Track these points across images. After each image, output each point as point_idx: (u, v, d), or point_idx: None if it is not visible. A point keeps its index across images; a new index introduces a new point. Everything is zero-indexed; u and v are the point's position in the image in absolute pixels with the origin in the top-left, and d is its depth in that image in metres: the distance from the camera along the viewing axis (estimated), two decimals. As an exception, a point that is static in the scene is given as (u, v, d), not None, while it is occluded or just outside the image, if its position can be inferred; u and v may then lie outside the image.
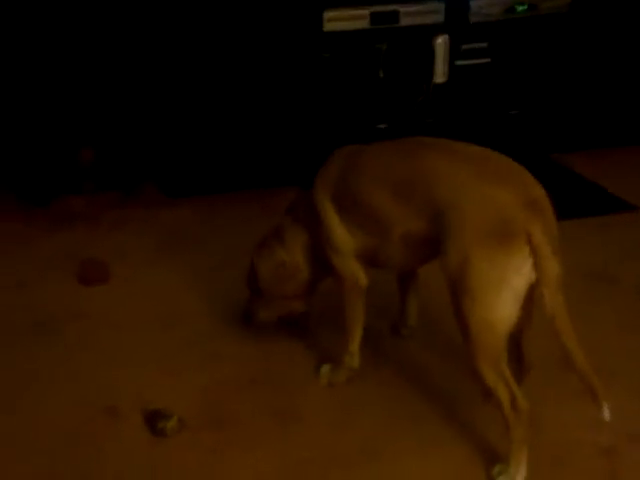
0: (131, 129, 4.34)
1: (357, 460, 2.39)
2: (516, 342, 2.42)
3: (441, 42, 4.21)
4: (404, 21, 4.18)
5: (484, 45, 4.31)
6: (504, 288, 2.14)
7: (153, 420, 2.51)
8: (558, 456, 2.37)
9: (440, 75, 4.29)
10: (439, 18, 4.22)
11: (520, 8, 4.31)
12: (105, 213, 4.10)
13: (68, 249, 3.71)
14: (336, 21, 4.10)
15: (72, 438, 2.49)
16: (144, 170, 4.39)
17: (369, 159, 2.56)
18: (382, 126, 4.36)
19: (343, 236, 2.58)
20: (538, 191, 2.24)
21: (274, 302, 2.82)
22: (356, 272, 2.63)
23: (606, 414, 2.12)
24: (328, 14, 4.06)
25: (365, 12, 4.12)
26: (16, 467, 2.37)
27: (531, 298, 2.23)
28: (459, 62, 4.30)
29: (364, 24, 4.13)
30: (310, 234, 2.71)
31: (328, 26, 4.09)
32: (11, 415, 2.60)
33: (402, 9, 4.15)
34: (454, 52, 4.26)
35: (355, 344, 2.70)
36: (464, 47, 4.29)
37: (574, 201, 4.07)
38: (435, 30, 4.20)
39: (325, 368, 2.75)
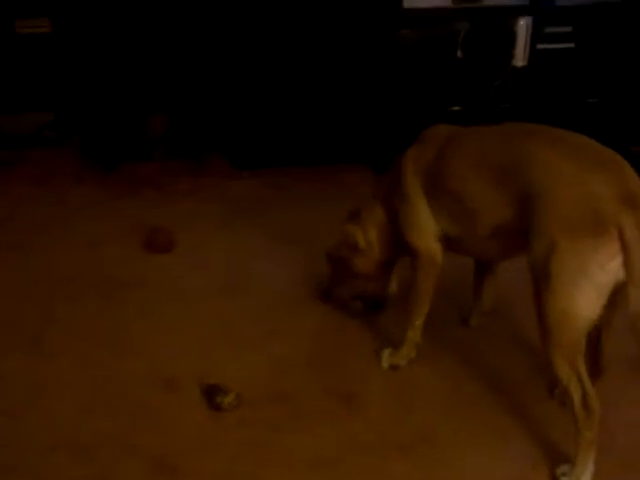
0: (202, 101, 4.35)
1: (415, 447, 2.34)
2: (594, 342, 2.34)
3: (523, 24, 4.09)
4: (487, 1, 4.07)
5: (568, 29, 4.18)
6: (586, 281, 2.05)
7: (211, 394, 2.49)
8: (628, 461, 2.29)
9: (520, 59, 4.17)
10: (523, -1, 4.11)
11: (608, -8, 4.17)
12: (174, 182, 4.11)
13: (136, 215, 3.74)
14: (417, -3, 4.02)
15: (128, 408, 2.49)
16: (213, 141, 4.40)
17: (467, 143, 2.49)
18: (456, 108, 4.26)
19: (428, 220, 2.55)
20: (637, 186, 2.12)
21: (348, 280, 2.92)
22: (434, 249, 2.59)
23: None
24: (409, -11, 3.99)
25: (447, -11, 4.03)
26: (70, 434, 2.38)
27: (615, 298, 2.11)
28: (541, 46, 4.18)
29: (446, 2, 4.04)
30: (388, 214, 2.70)
31: (408, 2, 4.00)
32: (66, 377, 2.62)
33: (485, -12, 4.06)
34: (536, 35, 4.14)
35: (421, 319, 2.66)
36: (547, 30, 4.16)
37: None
38: (518, 12, 4.08)
39: (386, 351, 2.71)
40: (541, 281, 2.13)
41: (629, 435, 2.38)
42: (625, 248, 2.01)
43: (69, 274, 3.24)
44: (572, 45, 4.22)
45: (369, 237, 2.78)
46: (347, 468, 2.26)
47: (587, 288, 2.06)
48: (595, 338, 2.33)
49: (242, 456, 2.30)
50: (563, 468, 2.20)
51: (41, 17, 4.29)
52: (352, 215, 2.84)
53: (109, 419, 2.44)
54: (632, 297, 2.02)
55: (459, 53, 4.16)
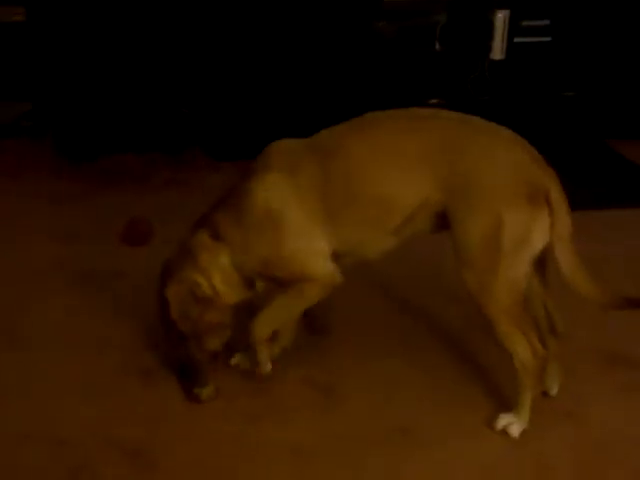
0: (180, 91, 4.33)
1: (393, 439, 2.35)
2: (544, 308, 2.41)
3: (501, 17, 4.12)
4: (464, -7, 4.11)
5: (546, 23, 4.21)
6: (528, 247, 2.17)
7: (188, 386, 2.49)
8: (601, 450, 2.32)
9: (497, 51, 4.20)
10: (501, -8, 4.14)
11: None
12: (152, 174, 4.09)
13: (113, 208, 3.72)
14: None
15: (106, 400, 2.48)
16: (192, 133, 4.39)
17: (359, 142, 2.32)
18: (434, 101, 4.28)
19: (324, 239, 2.34)
20: (537, 152, 2.25)
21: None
22: (333, 270, 2.38)
23: None
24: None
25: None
26: (46, 426, 2.36)
27: (545, 259, 2.26)
28: (518, 39, 4.21)
29: (424, -6, 4.07)
30: (239, 251, 2.41)
31: (387, -5, 4.03)
32: (41, 369, 2.60)
33: (463, -19, 4.08)
34: (514, 28, 4.16)
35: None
36: (525, 24, 4.19)
37: (626, 188, 3.97)
38: (496, 4, 4.10)
39: (238, 356, 2.62)
40: (488, 256, 2.18)
41: (600, 427, 2.41)
42: (552, 207, 2.15)
43: (44, 266, 3.22)
44: (549, 39, 4.25)
45: (214, 282, 2.42)
46: (325, 460, 2.27)
47: (528, 254, 2.18)
48: (542, 306, 2.41)
49: (221, 448, 2.30)
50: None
51: (16, 5, 4.25)
52: (186, 262, 2.46)
53: (87, 411, 2.42)
54: (559, 251, 2.17)
55: (437, 45, 4.18)
